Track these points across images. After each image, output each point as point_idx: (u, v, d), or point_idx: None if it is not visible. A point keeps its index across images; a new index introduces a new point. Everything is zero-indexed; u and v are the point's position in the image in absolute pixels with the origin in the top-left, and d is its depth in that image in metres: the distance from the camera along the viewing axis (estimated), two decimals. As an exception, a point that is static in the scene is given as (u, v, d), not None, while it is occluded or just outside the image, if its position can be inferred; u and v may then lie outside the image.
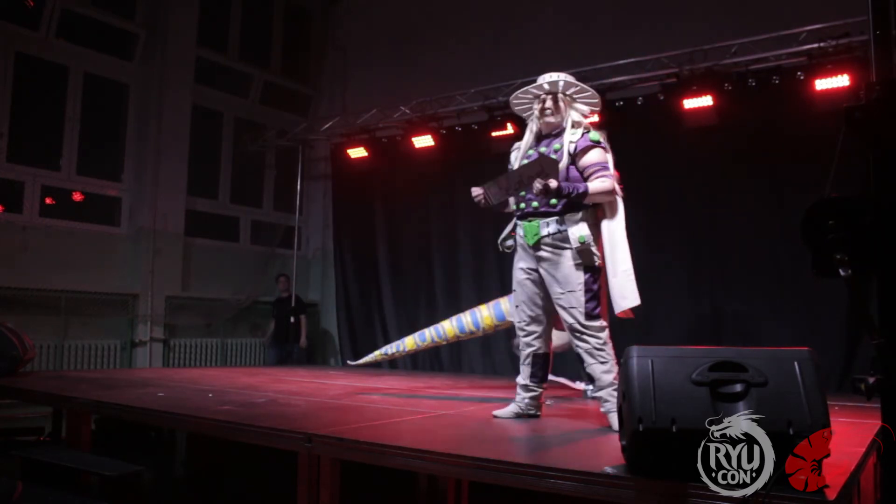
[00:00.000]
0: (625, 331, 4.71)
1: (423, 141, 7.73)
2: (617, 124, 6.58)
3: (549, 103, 3.37)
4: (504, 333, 5.88)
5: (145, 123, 7.95)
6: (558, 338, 4.37)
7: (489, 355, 7.63)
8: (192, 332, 8.32)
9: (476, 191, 3.35)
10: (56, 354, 7.07)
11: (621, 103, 6.63)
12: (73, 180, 7.53)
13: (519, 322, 3.49)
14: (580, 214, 3.28)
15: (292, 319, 8.44)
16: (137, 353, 7.75)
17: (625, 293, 3.25)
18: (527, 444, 3.00)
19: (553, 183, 3.12)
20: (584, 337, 3.21)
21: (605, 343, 3.23)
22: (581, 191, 3.21)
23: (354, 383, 5.57)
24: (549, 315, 3.45)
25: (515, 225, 3.49)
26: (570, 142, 3.30)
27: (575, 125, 3.37)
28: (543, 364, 3.45)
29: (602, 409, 3.22)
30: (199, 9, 8.37)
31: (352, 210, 9.05)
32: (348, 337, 8.87)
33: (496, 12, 8.03)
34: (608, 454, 2.35)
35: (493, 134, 7.17)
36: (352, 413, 3.68)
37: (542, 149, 3.38)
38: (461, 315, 5.21)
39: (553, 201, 3.26)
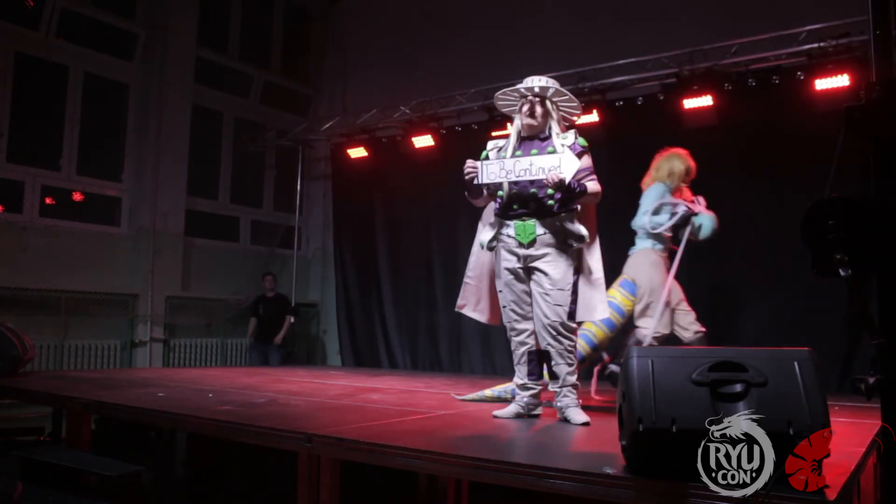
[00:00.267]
0: (624, 330, 4.74)
1: (423, 141, 7.73)
2: (617, 124, 6.60)
3: (537, 107, 3.41)
4: (504, 333, 5.85)
5: (145, 123, 7.95)
6: (665, 326, 4.43)
7: (489, 355, 7.62)
8: (192, 333, 8.33)
9: (471, 164, 3.40)
10: (56, 354, 7.07)
11: (621, 103, 6.61)
12: (73, 180, 7.53)
13: (509, 322, 3.50)
14: (573, 215, 3.35)
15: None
16: (137, 353, 7.75)
17: (593, 303, 3.41)
18: (527, 444, 3.00)
19: (568, 178, 3.17)
20: (561, 338, 3.29)
21: (574, 345, 3.36)
22: (582, 189, 3.30)
23: (354, 383, 5.57)
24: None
25: (502, 224, 3.46)
26: (563, 145, 3.34)
27: (564, 129, 3.45)
28: (539, 360, 3.47)
29: (558, 405, 3.36)
30: (199, 9, 8.37)
31: (352, 210, 9.04)
32: (348, 337, 8.87)
33: (496, 12, 8.01)
34: (608, 454, 2.35)
35: (493, 134, 7.08)
36: (352, 413, 3.68)
37: (534, 150, 3.40)
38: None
39: (550, 202, 3.31)
